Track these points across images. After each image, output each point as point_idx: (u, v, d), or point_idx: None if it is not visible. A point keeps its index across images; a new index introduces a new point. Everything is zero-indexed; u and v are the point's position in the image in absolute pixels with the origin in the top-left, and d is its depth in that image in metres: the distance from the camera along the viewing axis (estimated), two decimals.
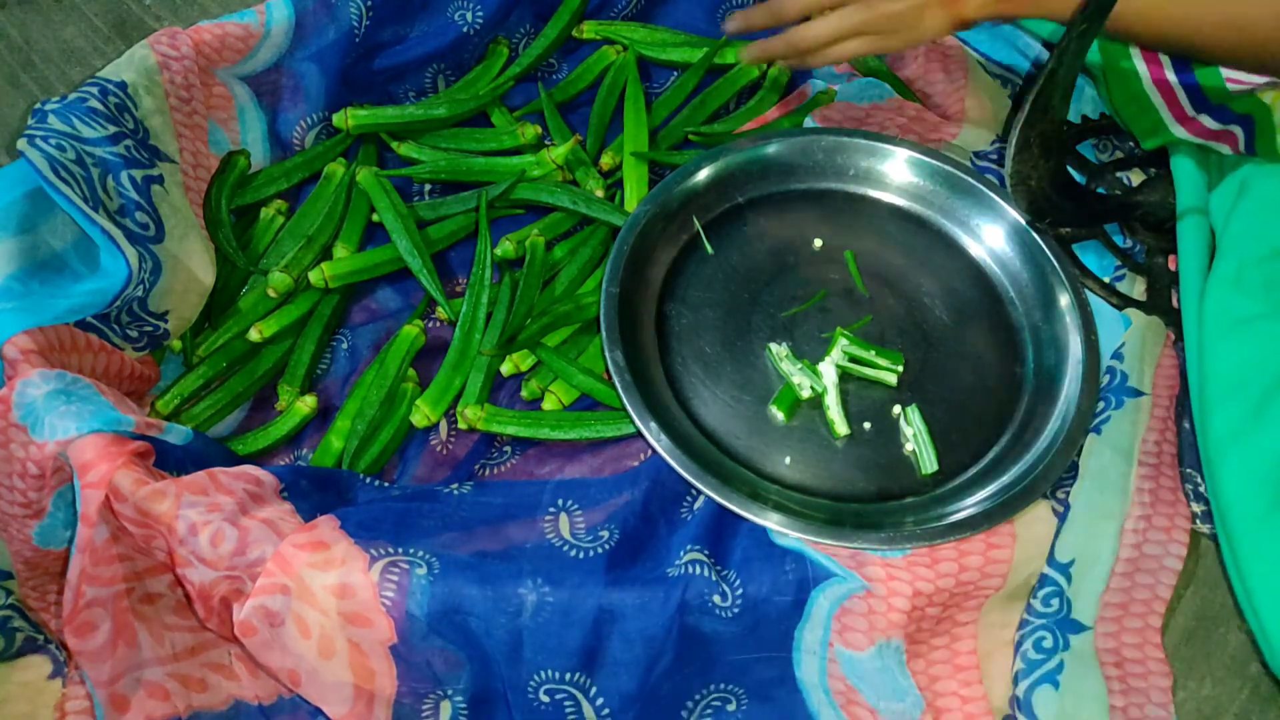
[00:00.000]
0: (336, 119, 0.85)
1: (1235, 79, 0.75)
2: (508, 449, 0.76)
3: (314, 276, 0.78)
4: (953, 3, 0.74)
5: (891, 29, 0.75)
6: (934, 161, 0.84)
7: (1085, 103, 0.88)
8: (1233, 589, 0.67)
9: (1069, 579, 0.67)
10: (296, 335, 0.78)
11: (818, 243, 0.82)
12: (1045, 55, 0.89)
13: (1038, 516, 0.69)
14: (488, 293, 0.79)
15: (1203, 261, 0.76)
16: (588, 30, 0.94)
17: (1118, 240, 0.83)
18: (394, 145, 0.86)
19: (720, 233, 0.82)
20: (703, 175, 0.82)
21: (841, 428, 0.73)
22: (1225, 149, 0.79)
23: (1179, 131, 0.80)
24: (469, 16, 0.87)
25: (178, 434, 0.64)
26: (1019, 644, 0.67)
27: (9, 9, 0.95)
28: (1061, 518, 0.69)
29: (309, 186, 0.85)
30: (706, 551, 0.65)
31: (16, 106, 0.89)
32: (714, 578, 0.63)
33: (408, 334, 0.78)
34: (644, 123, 0.88)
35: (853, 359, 0.75)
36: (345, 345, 0.80)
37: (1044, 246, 0.80)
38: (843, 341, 0.76)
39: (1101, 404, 0.73)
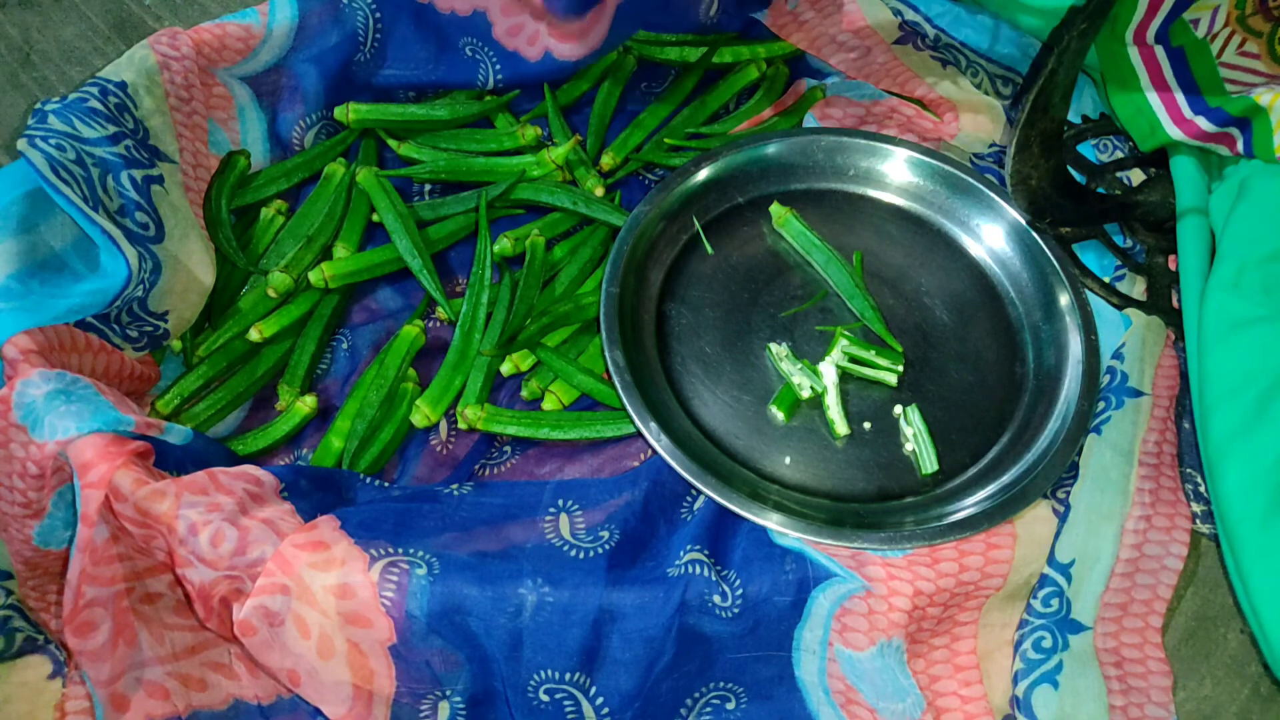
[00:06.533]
0: (338, 112, 0.84)
1: (1233, 79, 0.75)
2: (508, 449, 0.76)
3: (314, 276, 0.78)
4: None
5: None
6: (934, 161, 0.84)
7: (1085, 103, 0.88)
8: (1233, 590, 0.67)
9: (1069, 579, 0.67)
10: (296, 335, 0.78)
11: None
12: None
13: (1038, 516, 0.69)
14: (488, 293, 0.79)
15: (1203, 262, 0.76)
16: None
17: (1118, 240, 0.83)
18: (394, 145, 0.86)
19: (720, 233, 0.82)
20: (703, 175, 0.82)
21: (841, 428, 0.73)
22: (1224, 150, 0.79)
23: (1176, 133, 0.80)
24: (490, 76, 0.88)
25: (178, 434, 0.64)
26: (1019, 644, 0.67)
27: (9, 9, 0.95)
28: (1062, 518, 0.69)
29: (309, 186, 0.85)
30: (706, 551, 0.65)
31: (16, 106, 0.89)
32: (714, 578, 0.63)
33: (408, 334, 0.78)
34: (644, 123, 0.88)
35: (853, 359, 0.75)
36: (345, 345, 0.80)
37: (1044, 246, 0.80)
38: (843, 342, 0.76)
39: (1101, 404, 0.73)
